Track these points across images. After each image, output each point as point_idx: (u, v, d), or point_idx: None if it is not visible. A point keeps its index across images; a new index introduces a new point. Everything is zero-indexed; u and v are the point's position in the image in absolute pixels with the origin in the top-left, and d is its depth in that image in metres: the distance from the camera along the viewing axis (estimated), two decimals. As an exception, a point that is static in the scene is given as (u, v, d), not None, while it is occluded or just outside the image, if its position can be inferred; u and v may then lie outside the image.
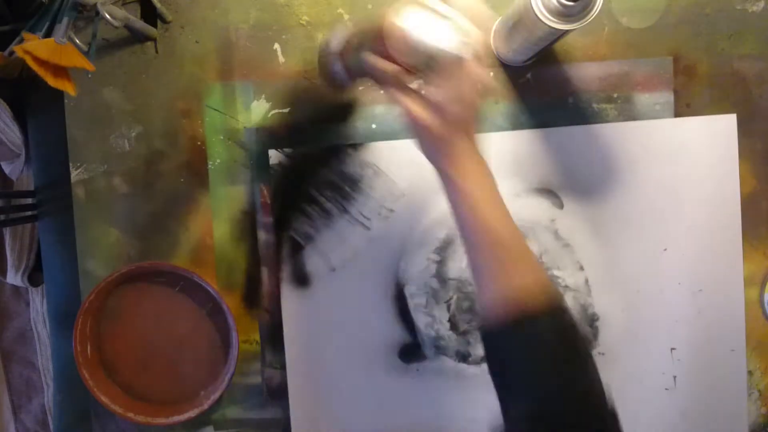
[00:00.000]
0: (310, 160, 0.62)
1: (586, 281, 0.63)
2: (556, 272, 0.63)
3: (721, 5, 0.61)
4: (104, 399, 0.62)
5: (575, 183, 0.62)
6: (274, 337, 0.64)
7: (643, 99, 0.62)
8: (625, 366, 0.63)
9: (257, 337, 0.64)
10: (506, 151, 0.62)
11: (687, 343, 0.63)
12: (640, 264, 0.63)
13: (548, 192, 0.62)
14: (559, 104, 0.62)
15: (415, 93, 0.46)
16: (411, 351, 0.63)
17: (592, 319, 0.63)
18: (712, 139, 0.62)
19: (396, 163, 0.62)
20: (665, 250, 0.62)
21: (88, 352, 0.63)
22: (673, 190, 0.62)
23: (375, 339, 0.63)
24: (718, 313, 0.63)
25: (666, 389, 0.63)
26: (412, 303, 0.63)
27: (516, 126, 0.62)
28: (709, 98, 0.62)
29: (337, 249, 0.63)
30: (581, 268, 0.63)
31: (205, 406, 0.61)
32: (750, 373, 0.64)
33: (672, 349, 0.63)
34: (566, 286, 0.63)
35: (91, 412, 0.65)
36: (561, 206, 0.62)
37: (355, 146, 0.62)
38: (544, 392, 0.41)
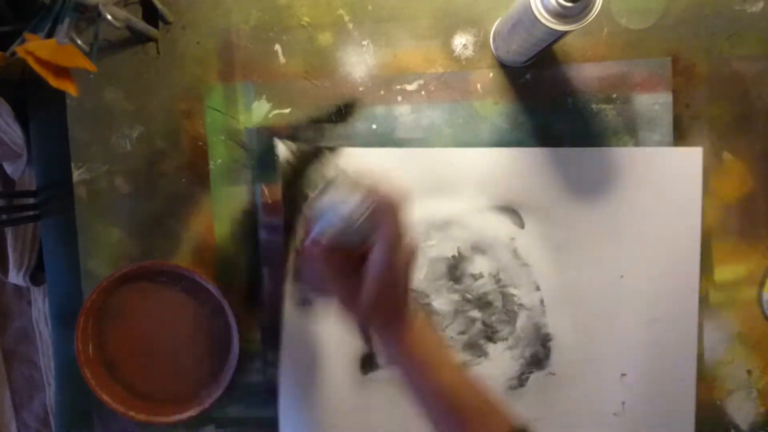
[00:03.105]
0: (312, 158, 0.62)
1: (542, 301, 0.63)
2: (512, 290, 0.62)
3: (720, 6, 0.61)
4: (106, 398, 0.62)
5: (537, 203, 0.62)
6: (274, 336, 0.64)
7: (642, 99, 0.62)
8: (576, 388, 0.63)
9: (258, 335, 0.64)
10: (470, 168, 0.62)
11: (638, 370, 0.62)
12: (597, 288, 0.62)
13: (510, 210, 0.62)
14: (558, 105, 0.62)
15: (351, 298, 0.46)
16: (368, 361, 0.63)
17: (545, 339, 0.63)
18: (676, 172, 0.61)
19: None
20: (622, 276, 0.62)
21: (90, 351, 0.63)
22: (634, 219, 0.62)
23: (340, 351, 0.62)
24: (670, 344, 0.62)
25: (614, 414, 0.63)
26: None
27: (515, 126, 0.62)
28: (707, 98, 0.62)
29: None
30: (537, 288, 0.63)
31: (207, 405, 0.62)
32: (749, 372, 0.64)
33: (623, 374, 0.63)
34: (521, 305, 0.63)
35: (92, 410, 0.65)
36: (522, 225, 0.62)
37: (332, 149, 0.62)
38: None
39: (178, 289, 0.64)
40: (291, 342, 0.62)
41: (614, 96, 0.62)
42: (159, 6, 0.60)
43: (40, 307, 0.93)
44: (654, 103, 0.62)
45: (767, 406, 0.64)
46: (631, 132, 0.62)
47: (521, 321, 0.63)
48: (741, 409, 0.64)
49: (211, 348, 0.64)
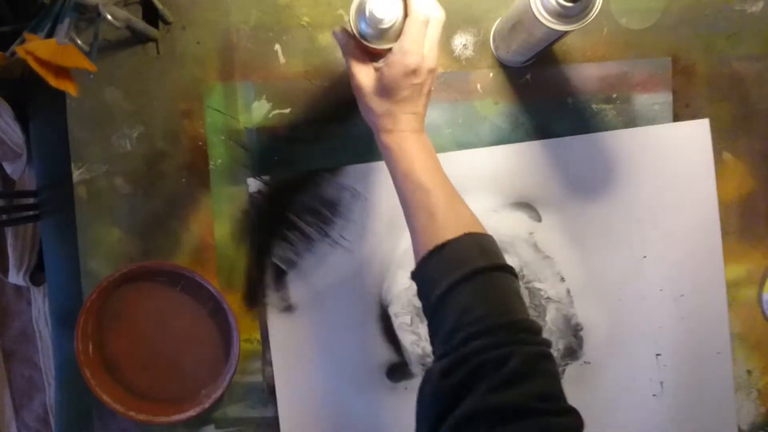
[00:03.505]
0: (289, 186, 0.63)
1: (568, 292, 0.63)
2: (538, 285, 0.63)
3: (720, 6, 0.61)
4: (106, 398, 0.62)
5: (552, 195, 0.62)
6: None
7: (642, 99, 0.62)
8: (612, 374, 0.63)
9: (258, 335, 0.64)
10: (483, 168, 0.62)
11: (672, 348, 0.63)
12: (621, 272, 0.62)
13: (526, 206, 0.62)
14: (558, 105, 0.62)
15: (370, 68, 0.49)
16: (398, 370, 0.63)
17: (576, 329, 0.63)
18: (686, 144, 0.62)
19: (373, 185, 0.62)
20: (645, 257, 0.62)
21: (90, 351, 0.63)
22: (649, 198, 0.62)
23: (362, 360, 0.63)
24: (701, 317, 0.63)
25: (654, 395, 0.63)
26: (396, 322, 0.63)
27: (515, 126, 0.62)
28: (707, 98, 0.62)
29: (319, 273, 0.63)
30: (562, 279, 0.63)
31: (206, 405, 0.62)
32: (749, 372, 0.64)
33: (657, 355, 0.63)
34: (549, 298, 0.63)
35: (92, 411, 0.65)
36: (539, 219, 0.62)
37: (332, 170, 0.62)
38: (464, 304, 0.41)
39: (178, 289, 0.64)
40: (279, 349, 0.63)
41: (614, 96, 0.62)
42: (159, 6, 0.60)
43: (40, 307, 0.93)
44: (654, 103, 0.62)
45: (767, 406, 0.64)
46: (631, 132, 0.62)
47: (551, 314, 0.63)
48: (741, 409, 0.64)
49: (211, 348, 0.64)
